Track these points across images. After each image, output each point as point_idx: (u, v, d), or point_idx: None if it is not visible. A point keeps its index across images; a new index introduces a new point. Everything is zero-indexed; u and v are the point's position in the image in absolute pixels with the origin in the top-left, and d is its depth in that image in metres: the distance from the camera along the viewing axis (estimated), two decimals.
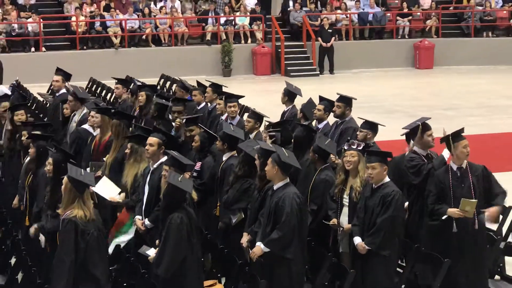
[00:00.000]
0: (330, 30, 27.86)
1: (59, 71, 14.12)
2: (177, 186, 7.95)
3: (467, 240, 8.84)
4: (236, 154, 9.84)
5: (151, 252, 8.26)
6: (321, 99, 12.36)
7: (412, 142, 9.59)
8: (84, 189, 7.52)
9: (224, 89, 13.54)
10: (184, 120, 11.20)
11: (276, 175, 8.46)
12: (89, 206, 7.53)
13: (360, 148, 8.96)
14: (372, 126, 10.44)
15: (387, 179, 8.63)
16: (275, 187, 8.49)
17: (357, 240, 8.59)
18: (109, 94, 18.92)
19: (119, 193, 9.64)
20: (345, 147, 9.05)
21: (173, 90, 19.35)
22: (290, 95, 12.94)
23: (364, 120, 10.57)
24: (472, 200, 8.68)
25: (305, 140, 10.04)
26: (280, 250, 8.33)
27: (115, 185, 9.68)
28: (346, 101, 11.75)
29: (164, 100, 12.40)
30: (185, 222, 7.93)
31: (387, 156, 8.79)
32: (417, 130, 9.44)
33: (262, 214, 8.66)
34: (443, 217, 8.75)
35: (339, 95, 11.84)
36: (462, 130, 9.06)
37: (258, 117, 11.37)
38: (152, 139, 9.32)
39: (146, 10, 27.56)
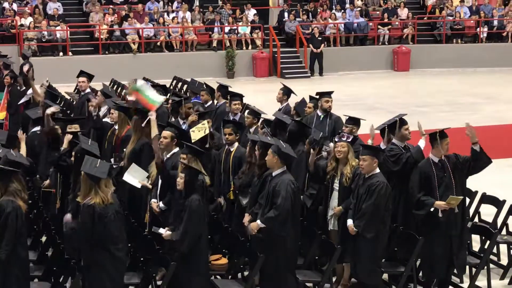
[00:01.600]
0: (320, 38, 27.82)
1: (83, 73, 14.09)
2: (198, 170, 8.01)
3: (451, 222, 8.79)
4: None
5: (162, 231, 8.25)
6: (311, 98, 12.37)
7: (385, 136, 9.58)
8: (98, 180, 7.42)
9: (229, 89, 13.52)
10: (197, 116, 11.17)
11: (275, 163, 8.47)
12: (106, 192, 7.43)
13: (349, 140, 8.95)
14: (355, 122, 10.42)
15: (377, 170, 8.56)
16: (273, 174, 8.49)
17: (349, 222, 8.58)
18: None
19: (147, 177, 9.57)
20: (336, 139, 9.02)
21: (184, 89, 19.36)
22: (287, 93, 12.96)
23: (348, 117, 10.55)
24: (458, 197, 8.65)
25: (297, 133, 10.04)
26: (275, 228, 8.32)
27: (142, 170, 9.57)
28: (331, 96, 11.86)
29: (177, 98, 12.41)
30: (201, 203, 7.95)
31: (378, 150, 8.74)
32: (396, 125, 9.42)
33: (261, 197, 8.66)
34: (431, 209, 8.70)
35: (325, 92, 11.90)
36: (446, 129, 9.02)
37: (255, 114, 11.37)
38: (166, 133, 9.29)
39: (161, 20, 27.48)
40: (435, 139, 8.78)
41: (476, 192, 10.44)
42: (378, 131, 9.74)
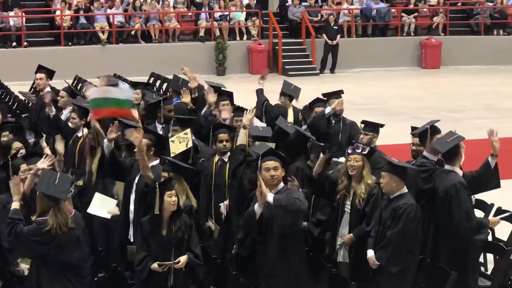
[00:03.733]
0: (336, 27, 27.76)
1: (41, 68, 14.13)
2: None
3: None
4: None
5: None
6: (319, 100, 12.39)
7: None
8: (57, 200, 7.36)
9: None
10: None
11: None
12: (65, 214, 7.38)
13: (365, 152, 8.89)
14: (375, 128, 10.39)
15: (404, 190, 8.52)
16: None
17: (370, 253, 8.54)
18: None
19: (117, 204, 9.54)
20: (349, 151, 8.92)
21: (164, 88, 19.36)
22: (286, 97, 12.98)
23: (366, 122, 10.51)
24: None
25: (297, 145, 9.95)
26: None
27: (109, 198, 9.54)
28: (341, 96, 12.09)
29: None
30: None
31: (402, 170, 8.55)
32: (426, 134, 9.38)
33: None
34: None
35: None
36: None
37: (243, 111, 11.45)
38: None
39: (137, 3, 27.45)
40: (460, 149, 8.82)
41: None
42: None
